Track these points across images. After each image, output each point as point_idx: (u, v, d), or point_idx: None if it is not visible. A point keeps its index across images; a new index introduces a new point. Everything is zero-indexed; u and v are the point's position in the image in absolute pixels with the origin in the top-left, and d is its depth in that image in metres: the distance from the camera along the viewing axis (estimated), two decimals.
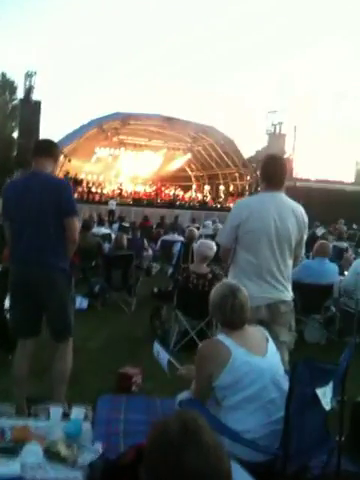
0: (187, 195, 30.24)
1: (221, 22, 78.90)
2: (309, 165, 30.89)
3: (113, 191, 27.80)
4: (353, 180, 34.12)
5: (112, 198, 25.33)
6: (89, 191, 26.75)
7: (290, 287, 3.43)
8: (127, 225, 13.35)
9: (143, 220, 15.19)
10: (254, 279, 3.30)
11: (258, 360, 2.42)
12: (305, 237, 3.50)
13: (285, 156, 31.96)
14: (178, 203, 27.68)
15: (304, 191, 25.72)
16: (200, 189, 31.77)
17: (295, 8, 79.65)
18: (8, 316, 4.27)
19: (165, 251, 9.74)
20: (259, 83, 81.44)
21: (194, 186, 32.41)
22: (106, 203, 23.76)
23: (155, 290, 7.54)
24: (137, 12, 77.04)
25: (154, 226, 15.12)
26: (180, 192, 30.20)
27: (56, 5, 69.22)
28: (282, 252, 3.34)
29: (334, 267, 5.85)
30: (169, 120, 27.11)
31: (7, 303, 4.38)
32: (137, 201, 26.89)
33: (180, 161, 31.63)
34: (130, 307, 6.89)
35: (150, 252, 9.76)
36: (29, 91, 26.74)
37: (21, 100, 28.25)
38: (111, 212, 21.79)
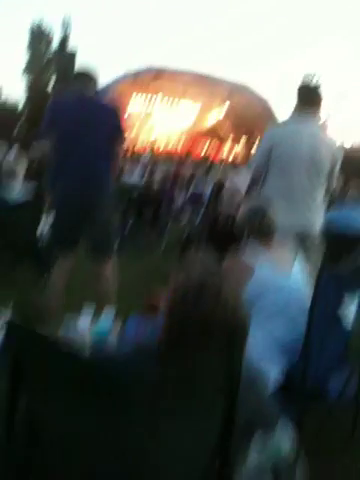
0: (219, 153, 29.90)
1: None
2: None
3: (145, 147, 27.67)
4: None
5: (144, 154, 25.24)
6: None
7: (320, 216, 3.36)
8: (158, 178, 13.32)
9: (174, 173, 15.09)
10: (283, 206, 3.22)
11: (283, 276, 2.40)
12: (337, 169, 3.41)
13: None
14: (210, 161, 27.43)
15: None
16: (233, 147, 31.32)
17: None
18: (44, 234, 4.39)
19: (194, 202, 9.69)
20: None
21: (227, 144, 31.93)
22: (138, 160, 23.70)
23: (184, 235, 7.53)
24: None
25: (185, 180, 15.03)
26: (212, 150, 29.87)
27: None
28: (313, 179, 3.29)
29: None
30: (203, 77, 26.65)
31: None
32: (169, 158, 26.74)
33: (213, 119, 31.16)
34: (159, 247, 6.92)
35: (180, 202, 9.74)
36: (64, 41, 26.66)
37: (57, 51, 28.07)
38: (142, 166, 21.73)
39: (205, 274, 1.27)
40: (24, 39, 38.15)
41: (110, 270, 3.59)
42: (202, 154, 28.40)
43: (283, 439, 1.98)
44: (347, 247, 5.66)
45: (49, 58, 37.91)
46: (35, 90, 37.20)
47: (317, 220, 3.34)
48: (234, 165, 27.24)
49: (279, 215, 2.77)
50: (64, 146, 3.37)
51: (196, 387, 1.10)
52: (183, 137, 30.67)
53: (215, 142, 31.39)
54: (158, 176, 12.55)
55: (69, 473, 1.14)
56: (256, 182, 3.49)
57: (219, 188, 7.64)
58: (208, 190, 8.44)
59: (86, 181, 3.36)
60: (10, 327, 1.07)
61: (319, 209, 3.39)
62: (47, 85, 37.82)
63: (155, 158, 26.07)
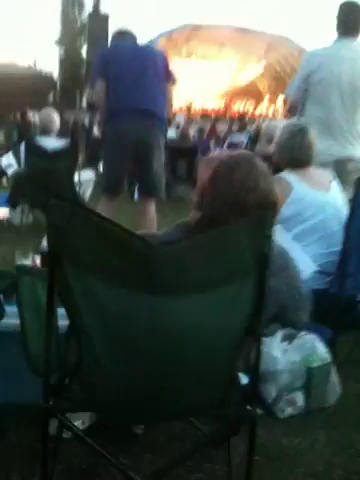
0: (257, 111, 29.29)
1: None
2: None
3: (181, 108, 27.39)
4: None
5: (180, 113, 25.01)
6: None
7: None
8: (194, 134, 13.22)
9: (211, 128, 14.98)
10: (321, 134, 3.14)
11: (320, 194, 2.42)
12: None
13: None
14: (248, 118, 26.96)
15: None
16: (271, 103, 30.61)
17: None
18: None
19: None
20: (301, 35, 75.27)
21: (266, 98, 31.19)
22: (173, 117, 23.55)
23: None
24: None
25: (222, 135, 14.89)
26: (251, 106, 29.29)
27: None
28: (354, 107, 3.19)
29: None
30: (241, 30, 26.00)
31: None
32: (205, 117, 26.41)
33: (252, 73, 30.42)
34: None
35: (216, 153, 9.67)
36: (97, 5, 26.44)
37: (89, 14, 27.95)
38: (178, 126, 21.60)
39: (237, 155, 1.32)
40: (57, 9, 38.08)
41: (153, 211, 3.69)
42: (237, 114, 27.92)
43: (317, 340, 2.03)
44: None
45: (82, 23, 37.76)
46: (69, 57, 37.21)
47: (356, 148, 3.28)
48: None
49: (319, 145, 2.74)
50: (120, 86, 3.45)
51: (227, 261, 1.13)
52: (220, 95, 30.19)
53: (253, 99, 30.77)
54: (193, 131, 12.50)
55: (112, 352, 1.20)
56: (294, 111, 3.40)
57: (256, 135, 7.56)
58: (245, 139, 8.35)
59: (141, 122, 3.46)
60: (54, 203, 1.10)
61: (358, 137, 3.30)
62: (80, 51, 37.80)
63: (191, 116, 25.90)
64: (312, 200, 2.37)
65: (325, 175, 2.58)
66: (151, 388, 1.23)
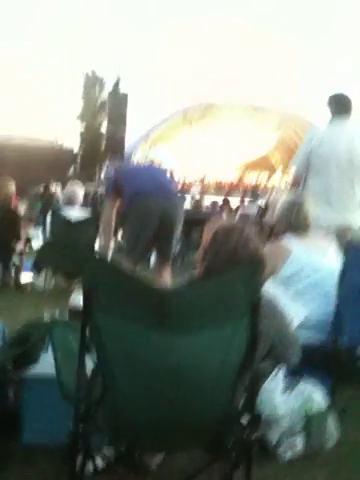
0: (270, 183, 30.05)
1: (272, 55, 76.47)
2: None
3: (195, 180, 28.25)
4: None
5: (194, 186, 25.79)
6: (172, 178, 27.37)
7: (358, 214, 3.59)
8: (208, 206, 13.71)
9: (224, 202, 15.46)
10: (321, 204, 3.43)
11: (317, 257, 2.68)
12: None
13: None
14: (260, 192, 27.62)
15: None
16: (286, 173, 31.35)
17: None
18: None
19: (244, 222, 10.00)
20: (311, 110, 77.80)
21: (279, 170, 32.01)
22: (188, 191, 24.27)
23: None
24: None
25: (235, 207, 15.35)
26: (264, 178, 30.09)
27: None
28: (351, 180, 3.51)
29: None
30: (253, 108, 27.19)
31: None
32: (219, 189, 27.16)
33: (264, 148, 31.49)
34: None
35: None
36: (117, 84, 27.89)
37: (109, 93, 29.37)
38: (193, 198, 22.21)
39: (233, 223, 1.65)
40: (78, 88, 40.29)
41: (169, 275, 4.03)
42: (252, 184, 28.71)
43: (315, 389, 2.25)
44: None
45: (102, 101, 39.79)
46: (89, 133, 38.96)
47: (356, 218, 3.57)
48: None
49: (319, 213, 3.05)
50: (137, 180, 4.06)
51: (225, 304, 1.41)
52: (233, 168, 31.11)
53: (266, 171, 31.64)
54: (207, 202, 12.97)
55: (132, 383, 1.47)
56: (297, 184, 3.72)
57: (266, 206, 7.94)
58: (257, 210, 8.76)
59: (165, 195, 4.01)
60: (86, 259, 1.42)
61: (356, 207, 3.59)
62: (100, 127, 39.60)
63: (205, 188, 26.68)
64: (309, 261, 2.63)
65: (323, 240, 2.87)
66: (165, 415, 1.48)
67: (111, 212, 4.21)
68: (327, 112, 3.72)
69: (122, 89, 28.32)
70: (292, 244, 2.70)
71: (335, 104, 3.64)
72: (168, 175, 4.44)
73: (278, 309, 1.78)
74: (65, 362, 1.69)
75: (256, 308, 1.40)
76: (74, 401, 1.48)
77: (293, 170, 3.79)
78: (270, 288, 2.04)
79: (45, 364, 1.93)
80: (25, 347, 1.84)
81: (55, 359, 1.69)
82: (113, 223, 4.28)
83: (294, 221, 2.80)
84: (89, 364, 1.55)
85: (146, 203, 3.92)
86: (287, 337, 1.79)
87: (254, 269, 1.43)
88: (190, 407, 1.49)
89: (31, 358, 1.85)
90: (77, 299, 2.42)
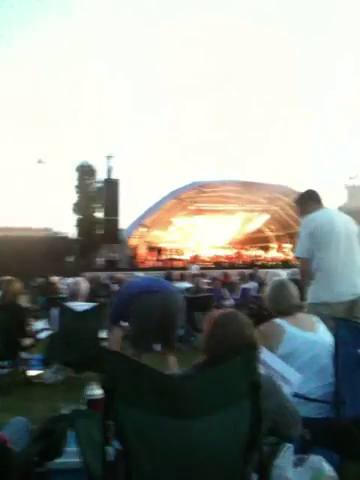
0: (269, 255, 30.42)
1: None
2: None
3: (193, 257, 28.56)
4: None
5: (193, 263, 26.04)
6: (171, 259, 27.73)
7: None
8: (209, 281, 13.90)
9: (224, 277, 15.68)
10: (338, 278, 3.70)
11: (309, 334, 2.87)
12: None
13: None
14: (260, 263, 27.88)
15: None
16: (281, 248, 31.86)
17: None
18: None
19: (245, 298, 10.17)
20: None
21: (275, 246, 32.53)
22: (187, 269, 24.47)
23: None
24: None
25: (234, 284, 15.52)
26: (261, 252, 30.48)
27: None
28: (354, 250, 3.81)
29: None
30: (244, 184, 27.97)
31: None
32: (218, 264, 27.44)
33: (258, 222, 32.12)
34: None
35: (231, 301, 10.22)
36: (109, 172, 28.67)
37: (104, 180, 30.13)
38: (194, 276, 22.37)
39: (227, 311, 1.88)
40: (70, 177, 41.70)
41: (174, 359, 4.27)
42: (249, 260, 29.05)
43: (324, 462, 2.37)
44: None
45: (95, 189, 40.88)
46: (85, 220, 39.80)
47: None
48: (284, 264, 27.64)
49: (335, 287, 3.51)
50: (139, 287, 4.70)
51: (229, 388, 1.60)
52: (229, 245, 31.57)
53: (262, 244, 32.11)
54: (206, 281, 13.19)
55: (150, 464, 1.62)
56: (306, 274, 3.92)
57: (262, 287, 8.17)
58: (256, 284, 9.01)
59: (164, 290, 4.59)
60: (106, 354, 1.62)
61: None
62: (94, 214, 40.50)
63: (200, 264, 26.94)
64: (302, 339, 2.82)
65: (310, 318, 3.08)
66: None
67: (118, 339, 4.72)
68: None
69: (113, 175, 28.95)
70: (284, 324, 2.90)
71: (311, 198, 4.04)
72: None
73: (276, 388, 1.96)
74: (90, 450, 1.84)
75: (257, 388, 1.59)
76: None
77: (301, 255, 3.95)
78: (264, 354, 2.28)
79: (69, 454, 2.07)
80: (50, 440, 1.98)
81: (80, 447, 1.85)
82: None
83: (281, 301, 3.03)
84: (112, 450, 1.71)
85: (150, 299, 4.39)
86: (287, 415, 1.95)
87: (252, 354, 1.64)
88: None
89: (57, 450, 1.98)
90: (94, 389, 2.58)
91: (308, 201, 4.06)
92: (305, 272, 3.93)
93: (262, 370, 2.58)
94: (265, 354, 2.48)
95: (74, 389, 4.86)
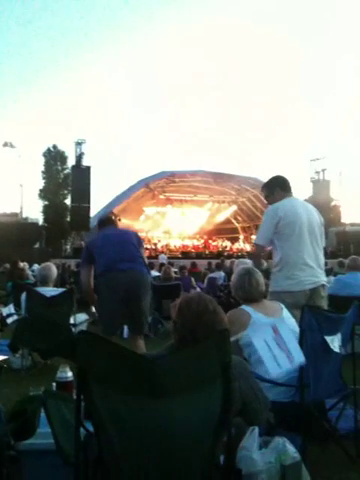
0: (235, 246, 30.70)
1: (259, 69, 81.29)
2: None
3: (163, 247, 28.62)
4: None
5: (162, 253, 26.09)
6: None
7: (324, 273, 3.98)
8: (176, 270, 13.95)
9: (192, 266, 15.79)
10: (299, 266, 3.78)
11: (274, 319, 2.94)
12: (323, 231, 4.07)
13: (332, 204, 32.44)
14: (226, 254, 28.14)
15: (354, 235, 25.92)
16: (248, 240, 32.23)
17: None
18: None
19: (212, 287, 10.27)
20: (298, 131, 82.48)
21: (241, 237, 32.89)
22: (156, 258, 24.52)
23: None
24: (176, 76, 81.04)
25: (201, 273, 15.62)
26: (228, 243, 30.75)
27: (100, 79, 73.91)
28: (316, 241, 3.90)
29: None
30: (213, 175, 28.16)
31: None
32: (186, 254, 27.57)
33: (226, 213, 32.40)
34: None
35: (198, 290, 10.29)
36: (79, 158, 28.25)
37: (72, 167, 29.64)
38: (162, 265, 22.40)
39: (192, 296, 1.98)
40: (40, 163, 41.08)
41: (142, 345, 4.31)
42: (216, 249, 29.29)
43: (288, 443, 2.45)
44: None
45: (65, 174, 40.33)
46: (53, 207, 39.32)
47: (323, 275, 3.93)
48: (250, 255, 27.94)
49: (297, 275, 3.56)
50: (105, 256, 4.48)
51: (201, 369, 1.65)
52: (197, 235, 31.74)
53: (230, 235, 32.39)
54: (175, 270, 13.22)
55: (121, 443, 1.67)
56: (257, 257, 4.06)
57: (231, 271, 8.27)
58: (223, 274, 9.12)
59: (129, 269, 4.39)
60: (81, 334, 1.65)
61: (323, 266, 3.98)
62: (63, 201, 40.00)
63: (171, 254, 27.03)
64: (268, 323, 2.89)
65: (276, 305, 3.18)
66: (155, 474, 1.67)
67: (89, 276, 4.65)
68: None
69: (85, 162, 28.49)
70: (249, 310, 2.98)
71: (279, 185, 4.08)
72: (136, 240, 4.70)
73: (248, 370, 2.02)
74: (61, 430, 1.87)
75: (227, 369, 1.64)
76: (74, 464, 1.66)
77: (260, 243, 4.04)
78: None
79: (41, 436, 2.10)
80: (22, 420, 2.00)
81: (52, 428, 1.87)
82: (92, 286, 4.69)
83: (248, 288, 3.10)
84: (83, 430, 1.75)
85: (112, 280, 4.32)
86: (257, 398, 2.02)
87: (223, 336, 1.69)
88: (177, 465, 1.69)
89: (29, 431, 2.00)
90: (64, 372, 2.60)
91: (275, 187, 4.10)
92: (257, 258, 4.07)
93: (246, 352, 2.69)
94: (255, 337, 2.56)
95: (41, 374, 4.89)
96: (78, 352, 1.66)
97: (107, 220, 5.13)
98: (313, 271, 3.82)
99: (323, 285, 3.87)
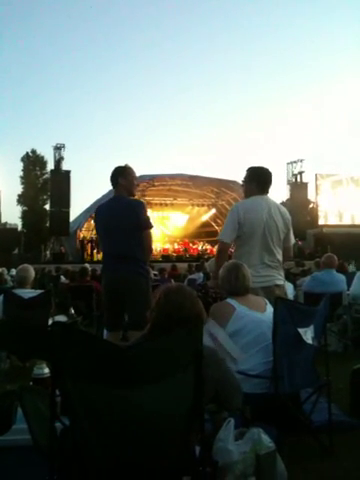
0: (215, 248, 30.66)
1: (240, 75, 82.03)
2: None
3: None
4: None
5: None
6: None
7: (283, 273, 4.02)
8: (156, 273, 13.96)
9: (172, 269, 15.78)
10: (251, 265, 3.73)
11: (258, 314, 3.03)
12: (291, 231, 4.11)
13: (310, 206, 32.71)
14: (206, 256, 28.17)
15: (331, 236, 26.20)
16: None
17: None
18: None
19: (191, 286, 10.30)
20: (276, 133, 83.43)
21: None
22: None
23: None
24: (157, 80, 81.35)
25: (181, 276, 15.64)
26: (208, 246, 30.83)
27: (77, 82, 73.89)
28: (273, 242, 3.93)
29: (341, 277, 6.32)
30: (192, 178, 28.21)
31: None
32: (166, 257, 27.56)
33: (205, 217, 32.50)
34: None
35: None
36: (59, 162, 27.95)
37: (52, 171, 29.26)
38: None
39: (171, 287, 1.99)
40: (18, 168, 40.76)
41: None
42: (196, 252, 29.36)
43: (263, 434, 2.50)
44: (332, 305, 6.21)
45: (45, 179, 39.94)
46: (32, 212, 39.00)
47: (280, 275, 3.96)
48: (230, 258, 28.02)
49: (252, 272, 3.45)
50: (105, 239, 4.40)
51: (173, 357, 1.68)
52: (177, 238, 31.77)
53: (209, 238, 32.47)
54: (155, 272, 13.26)
55: (97, 433, 1.69)
56: (221, 255, 4.05)
57: (208, 276, 8.33)
58: (202, 275, 9.20)
59: (121, 262, 4.22)
60: (53, 325, 1.67)
61: (280, 267, 4.00)
62: (43, 206, 39.69)
63: (153, 259, 26.96)
64: (251, 318, 2.97)
65: (261, 300, 3.23)
66: (128, 459, 1.70)
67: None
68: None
69: (64, 166, 28.15)
70: (234, 303, 3.03)
71: (256, 180, 4.07)
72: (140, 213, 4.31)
73: (220, 358, 2.07)
74: (37, 424, 1.89)
75: (199, 357, 1.68)
76: (49, 456, 1.68)
77: (224, 239, 4.03)
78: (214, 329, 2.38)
79: (16, 431, 2.11)
80: None
81: (28, 423, 1.89)
82: None
83: (234, 283, 3.15)
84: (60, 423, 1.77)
85: (106, 279, 4.35)
86: (230, 384, 2.07)
87: (196, 325, 1.73)
88: (151, 453, 1.72)
89: (5, 425, 2.02)
90: (41, 368, 2.62)
91: (251, 182, 4.11)
92: (222, 255, 4.05)
93: (210, 342, 2.73)
94: (216, 329, 2.61)
95: (20, 377, 4.86)
96: (52, 343, 1.68)
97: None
98: (267, 270, 3.87)
99: (277, 285, 3.90)
